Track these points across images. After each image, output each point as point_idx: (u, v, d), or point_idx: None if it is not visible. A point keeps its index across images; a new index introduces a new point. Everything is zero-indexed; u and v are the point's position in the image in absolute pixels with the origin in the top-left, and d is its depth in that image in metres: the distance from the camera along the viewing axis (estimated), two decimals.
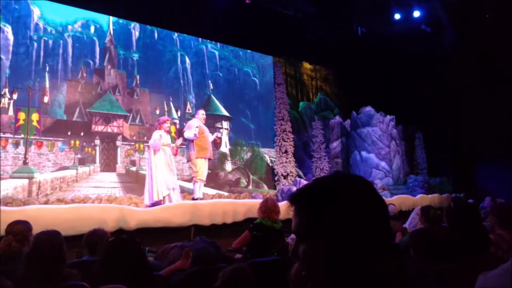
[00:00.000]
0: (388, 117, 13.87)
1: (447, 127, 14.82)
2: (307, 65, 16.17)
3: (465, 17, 12.83)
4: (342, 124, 14.17)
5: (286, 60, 15.02)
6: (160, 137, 7.16)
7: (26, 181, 9.18)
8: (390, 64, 14.49)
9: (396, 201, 9.33)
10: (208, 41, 13.28)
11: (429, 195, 11.64)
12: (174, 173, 7.39)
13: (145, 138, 11.27)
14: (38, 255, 2.48)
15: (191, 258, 2.93)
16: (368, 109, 13.70)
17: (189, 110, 12.37)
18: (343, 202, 0.87)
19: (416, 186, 12.78)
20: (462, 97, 14.07)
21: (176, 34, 12.58)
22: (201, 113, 8.17)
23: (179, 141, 7.74)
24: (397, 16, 13.73)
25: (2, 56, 9.41)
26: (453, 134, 14.87)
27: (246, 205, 6.95)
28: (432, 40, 13.96)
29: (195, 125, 7.68)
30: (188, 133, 7.60)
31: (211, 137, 8.09)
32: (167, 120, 7.67)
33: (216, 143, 12.39)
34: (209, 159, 8.01)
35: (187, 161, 8.03)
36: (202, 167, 7.65)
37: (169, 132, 7.72)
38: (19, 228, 3.49)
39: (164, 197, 6.95)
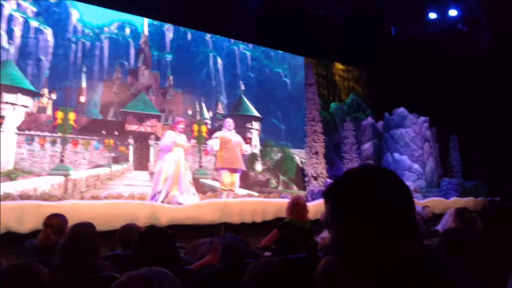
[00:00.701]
0: (422, 118, 13.60)
1: (483, 129, 14.37)
2: (339, 66, 16.03)
3: (503, 14, 12.41)
4: (374, 125, 13.98)
5: (318, 61, 14.93)
6: (172, 137, 7.26)
7: (62, 178, 9.48)
8: (424, 64, 14.18)
9: (428, 203, 9.14)
10: (240, 42, 13.37)
11: (464, 198, 11.33)
12: (185, 174, 7.46)
13: None
14: (73, 245, 2.57)
15: (219, 253, 2.96)
16: (401, 110, 13.47)
17: (220, 110, 12.48)
18: (363, 192, 0.89)
19: (450, 189, 12.46)
20: (499, 98, 13.61)
21: (208, 35, 12.73)
22: (228, 122, 8.25)
23: (192, 142, 7.81)
24: (432, 16, 13.42)
25: (43, 58, 9.78)
26: (489, 136, 14.40)
27: (275, 204, 6.97)
28: (469, 39, 13.57)
29: (216, 136, 7.80)
30: (208, 146, 7.80)
31: (244, 147, 8.07)
32: (182, 121, 7.75)
33: (247, 143, 12.51)
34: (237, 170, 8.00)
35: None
36: (225, 178, 7.70)
37: (183, 133, 7.76)
38: (57, 221, 3.63)
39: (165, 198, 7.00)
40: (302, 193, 12.19)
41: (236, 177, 7.92)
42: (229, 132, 8.11)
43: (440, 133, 14.78)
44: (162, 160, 7.22)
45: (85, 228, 2.71)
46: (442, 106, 14.22)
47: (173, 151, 7.25)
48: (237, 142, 8.05)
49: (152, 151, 11.18)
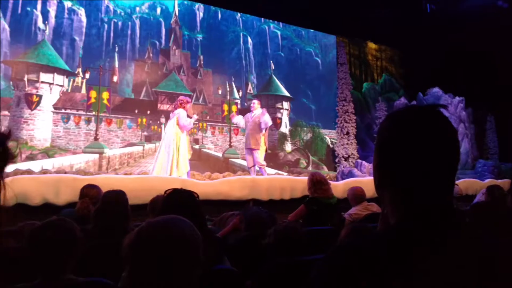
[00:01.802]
0: (457, 98, 13.22)
1: None
2: (372, 45, 15.71)
3: None
4: (409, 105, 13.68)
5: (350, 40, 14.66)
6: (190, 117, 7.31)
7: (97, 156, 9.75)
8: (460, 43, 13.69)
9: (462, 184, 8.94)
10: (271, 21, 13.25)
11: (499, 180, 10.99)
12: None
13: (208, 117, 11.56)
14: (105, 211, 2.65)
15: (244, 222, 3.00)
16: (436, 90, 13.13)
17: (250, 90, 12.48)
18: (401, 131, 0.87)
19: (485, 171, 12.12)
20: None
21: (239, 14, 12.68)
22: (252, 103, 8.44)
23: (195, 117, 7.70)
24: None
25: (76, 38, 9.99)
26: None
27: (304, 182, 6.91)
28: (508, 16, 12.98)
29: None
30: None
31: (263, 118, 8.02)
32: (190, 101, 7.77)
33: (276, 123, 12.50)
34: (251, 149, 8.04)
35: None
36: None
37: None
38: (95, 192, 3.76)
39: None
40: (332, 174, 12.14)
41: (255, 155, 7.96)
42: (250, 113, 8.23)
43: (476, 114, 14.33)
44: (177, 141, 7.17)
45: (117, 195, 2.79)
46: (478, 86, 13.75)
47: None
48: (254, 124, 8.05)
49: None
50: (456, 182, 9.50)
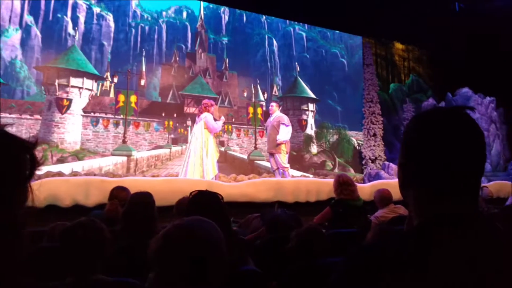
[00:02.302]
0: (488, 98, 12.89)
1: None
2: (398, 45, 15.47)
3: None
4: (436, 106, 13.41)
5: (377, 40, 14.49)
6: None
7: (125, 158, 9.93)
8: (490, 42, 13.34)
9: (493, 186, 8.70)
10: (296, 23, 13.24)
11: None
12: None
13: (233, 119, 11.62)
14: (132, 212, 2.70)
15: (265, 226, 3.01)
16: (465, 90, 12.84)
17: (275, 92, 12.49)
18: (428, 132, 0.87)
19: None
20: None
21: (264, 17, 12.71)
22: (270, 106, 8.41)
23: (222, 119, 7.78)
24: None
25: (105, 42, 10.22)
26: None
27: (330, 184, 6.85)
28: None
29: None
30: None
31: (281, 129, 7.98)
32: (214, 104, 7.82)
33: (302, 125, 12.46)
34: (272, 153, 8.03)
35: None
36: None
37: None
38: (124, 195, 3.81)
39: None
40: (359, 176, 12.01)
41: (276, 158, 7.90)
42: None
43: (508, 114, 13.92)
44: (206, 143, 7.28)
45: (143, 197, 2.84)
46: (510, 85, 13.36)
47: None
48: (272, 127, 8.00)
49: None
50: (487, 184, 9.26)
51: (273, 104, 8.41)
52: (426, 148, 0.85)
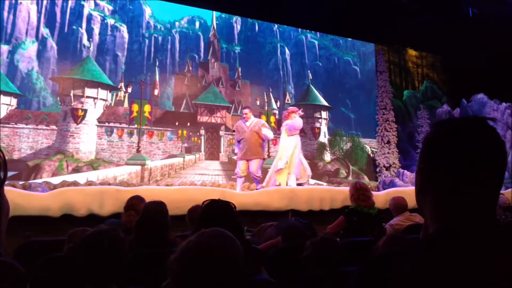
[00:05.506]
0: (504, 104, 12.70)
1: None
2: (412, 52, 15.37)
3: None
4: (451, 113, 13.28)
5: (389, 47, 14.41)
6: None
7: (139, 167, 10.00)
8: (505, 46, 13.18)
9: (510, 194, 8.54)
10: (308, 31, 13.26)
11: None
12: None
13: None
14: (145, 221, 2.71)
15: (281, 236, 3.00)
16: (480, 96, 12.68)
17: (288, 100, 12.49)
18: (449, 139, 0.87)
19: None
20: None
21: (276, 26, 12.76)
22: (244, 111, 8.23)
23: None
24: None
25: (119, 53, 10.36)
26: None
27: (344, 192, 6.85)
28: None
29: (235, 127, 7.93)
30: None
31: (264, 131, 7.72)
32: (295, 110, 7.85)
33: (315, 133, 12.43)
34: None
35: None
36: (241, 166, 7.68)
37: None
38: (140, 206, 3.79)
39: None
40: (373, 184, 11.91)
41: (250, 165, 7.45)
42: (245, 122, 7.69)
43: None
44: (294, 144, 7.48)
45: (157, 206, 2.85)
46: None
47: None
48: (251, 132, 7.52)
49: (222, 141, 11.46)
50: (504, 191, 9.10)
51: (246, 110, 7.81)
52: (449, 155, 0.85)
